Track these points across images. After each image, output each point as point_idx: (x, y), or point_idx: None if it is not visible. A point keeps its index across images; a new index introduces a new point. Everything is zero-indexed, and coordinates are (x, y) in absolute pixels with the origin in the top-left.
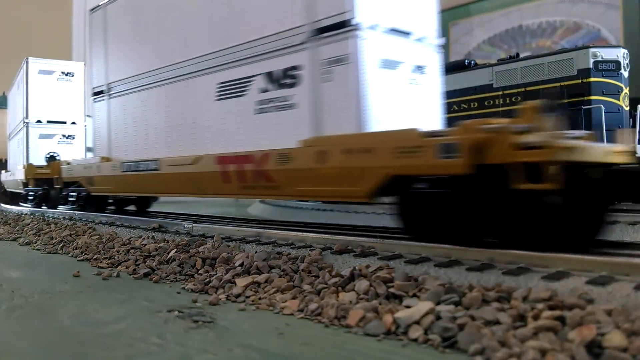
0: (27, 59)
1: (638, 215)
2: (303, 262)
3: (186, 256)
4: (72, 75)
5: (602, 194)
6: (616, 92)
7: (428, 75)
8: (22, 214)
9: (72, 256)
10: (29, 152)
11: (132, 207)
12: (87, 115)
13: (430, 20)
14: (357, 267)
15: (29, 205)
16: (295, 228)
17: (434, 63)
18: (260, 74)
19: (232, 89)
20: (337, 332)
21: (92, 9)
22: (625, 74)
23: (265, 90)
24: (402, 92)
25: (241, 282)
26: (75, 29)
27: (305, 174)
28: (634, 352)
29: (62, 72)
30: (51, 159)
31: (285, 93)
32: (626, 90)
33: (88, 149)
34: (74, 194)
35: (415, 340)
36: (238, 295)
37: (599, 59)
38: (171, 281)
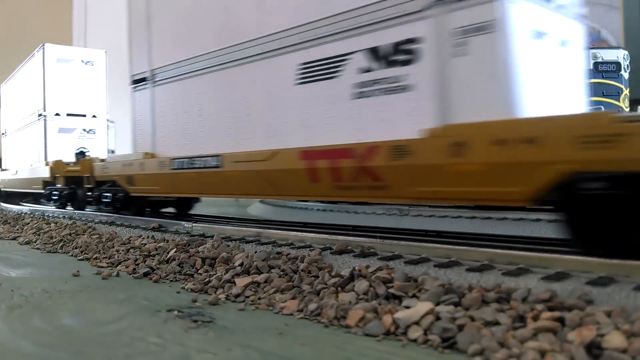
0: (43, 45)
1: None
2: (303, 262)
3: (186, 256)
4: (92, 64)
5: None
6: (616, 94)
7: (572, 50)
8: (21, 213)
9: (72, 255)
10: (47, 148)
11: (170, 210)
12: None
13: None
14: (356, 268)
15: (52, 206)
16: (295, 228)
17: (578, 36)
18: (360, 50)
19: (320, 70)
20: (336, 332)
21: None
22: (626, 75)
23: (367, 70)
24: (550, 68)
25: (241, 282)
26: (76, 18)
27: (431, 171)
28: (634, 354)
29: (82, 61)
30: (80, 154)
31: (396, 72)
32: (626, 92)
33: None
34: (108, 194)
35: (414, 340)
36: (237, 295)
37: (599, 60)
38: (171, 281)
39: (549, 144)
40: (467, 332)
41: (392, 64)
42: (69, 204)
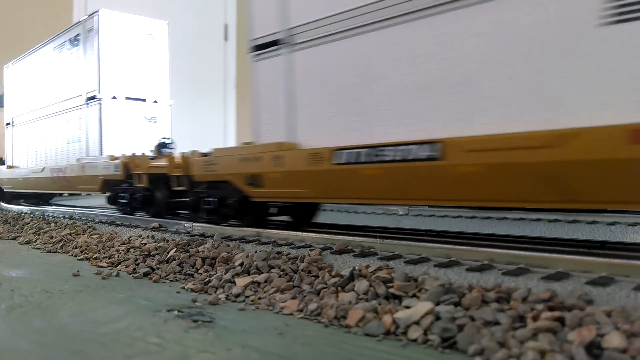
0: (97, 11)
1: (638, 216)
2: (303, 262)
3: (186, 256)
4: (153, 38)
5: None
6: None
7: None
8: (21, 212)
9: (72, 255)
10: (103, 139)
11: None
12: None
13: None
14: (356, 267)
15: (117, 210)
16: (295, 228)
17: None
18: None
19: None
20: (336, 332)
21: None
22: None
23: None
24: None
25: (241, 281)
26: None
27: None
28: (634, 353)
29: (142, 33)
30: (161, 146)
31: None
32: None
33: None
34: (211, 199)
35: (414, 340)
36: (238, 295)
37: None
38: (171, 281)
39: None
40: (467, 332)
41: None
42: (143, 209)
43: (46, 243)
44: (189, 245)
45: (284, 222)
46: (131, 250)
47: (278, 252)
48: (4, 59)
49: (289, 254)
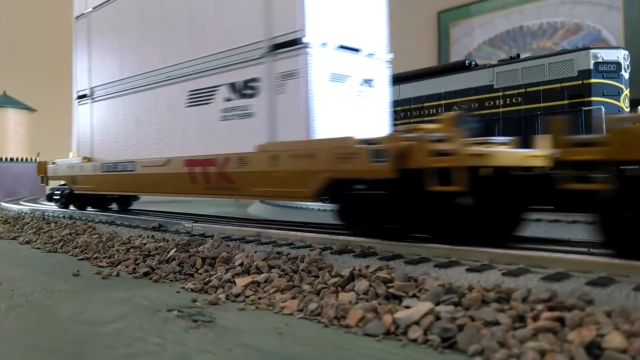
0: None
1: None
2: (303, 262)
3: (186, 256)
4: None
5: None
6: (617, 94)
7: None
8: (21, 212)
9: (72, 255)
10: (313, 109)
11: None
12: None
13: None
14: (356, 268)
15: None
16: (295, 228)
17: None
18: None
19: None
20: (336, 332)
21: None
22: (626, 75)
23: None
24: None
25: (241, 281)
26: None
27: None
28: (633, 354)
29: None
30: (466, 121)
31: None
32: (627, 92)
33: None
34: None
35: (414, 340)
36: (238, 295)
37: (600, 60)
38: (171, 280)
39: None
40: (467, 332)
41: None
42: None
43: (46, 243)
44: (189, 245)
45: None
46: (131, 250)
47: (278, 252)
48: (3, 60)
49: (289, 254)
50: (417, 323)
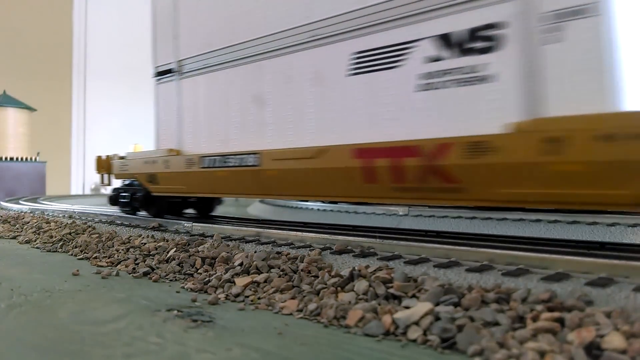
0: None
1: (637, 217)
2: (302, 262)
3: (185, 255)
4: None
5: None
6: None
7: None
8: (21, 212)
9: (72, 255)
10: (618, 66)
11: None
12: None
13: None
14: (356, 268)
15: None
16: (295, 228)
17: None
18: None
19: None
20: (336, 332)
21: None
22: None
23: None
24: None
25: (240, 281)
26: (76, 18)
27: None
28: (633, 354)
29: None
30: None
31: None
32: None
33: None
34: None
35: (414, 341)
36: (237, 295)
37: None
38: (170, 280)
39: None
40: (466, 332)
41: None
42: None
43: (46, 242)
44: (189, 245)
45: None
46: (131, 249)
47: (278, 252)
48: (3, 59)
49: (289, 254)
50: (416, 323)
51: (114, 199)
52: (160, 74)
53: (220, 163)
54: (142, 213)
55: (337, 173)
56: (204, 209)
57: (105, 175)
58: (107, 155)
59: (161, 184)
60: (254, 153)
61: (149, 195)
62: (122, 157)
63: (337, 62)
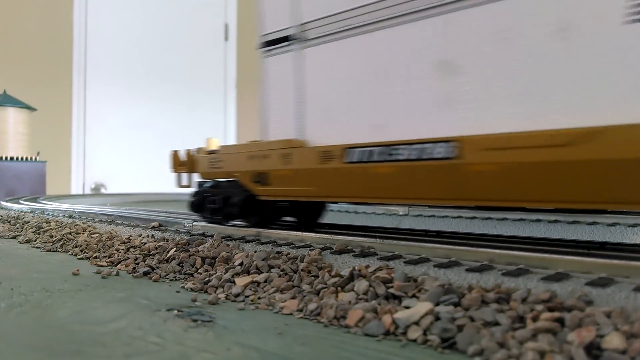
0: None
1: (637, 217)
2: (302, 262)
3: (186, 255)
4: None
5: None
6: None
7: None
8: (21, 211)
9: (72, 254)
10: None
11: None
12: None
13: None
14: (356, 267)
15: None
16: (295, 228)
17: None
18: None
19: None
20: (336, 332)
21: None
22: None
23: None
24: None
25: (240, 281)
26: (76, 18)
27: None
28: (633, 354)
29: None
30: None
31: None
32: None
33: None
34: None
35: (414, 340)
36: (237, 295)
37: None
38: (170, 280)
39: None
40: (466, 332)
41: None
42: None
43: (46, 242)
44: (189, 244)
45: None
46: (131, 249)
47: (278, 252)
48: (3, 59)
49: (289, 253)
50: (416, 323)
51: (197, 205)
52: (270, 43)
53: (380, 156)
54: (232, 221)
55: (623, 166)
56: (309, 216)
57: (184, 175)
58: (188, 150)
59: (275, 185)
60: (446, 141)
61: (252, 199)
62: (211, 152)
63: (607, 5)
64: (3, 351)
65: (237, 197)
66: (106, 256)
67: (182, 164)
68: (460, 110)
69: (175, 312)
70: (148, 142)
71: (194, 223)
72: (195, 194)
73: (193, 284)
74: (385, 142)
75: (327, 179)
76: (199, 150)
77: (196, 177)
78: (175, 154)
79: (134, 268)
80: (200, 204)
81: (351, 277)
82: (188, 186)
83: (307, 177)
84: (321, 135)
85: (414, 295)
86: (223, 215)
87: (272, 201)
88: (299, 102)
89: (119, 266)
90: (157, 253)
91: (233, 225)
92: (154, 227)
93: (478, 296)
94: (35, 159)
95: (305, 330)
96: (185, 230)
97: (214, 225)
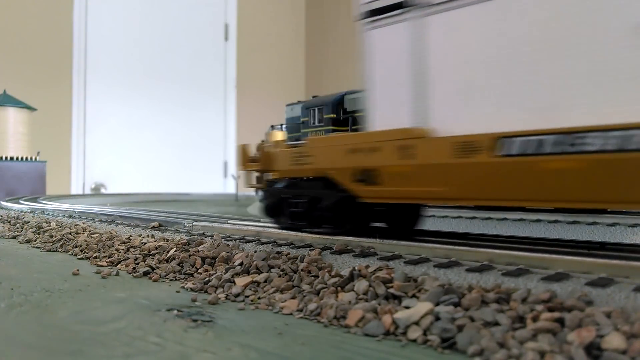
0: None
1: (637, 217)
2: (302, 262)
3: (186, 255)
4: None
5: None
6: None
7: None
8: (21, 211)
9: (72, 254)
10: None
11: None
12: None
13: None
14: (356, 268)
15: None
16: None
17: None
18: None
19: None
20: (336, 332)
21: None
22: None
23: None
24: None
25: (240, 281)
26: (76, 18)
27: None
28: (633, 354)
29: None
30: None
31: None
32: None
33: None
34: None
35: (414, 340)
36: (237, 295)
37: None
38: (170, 280)
39: None
40: (466, 332)
41: None
42: None
43: (46, 242)
44: (189, 244)
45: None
46: (131, 249)
47: (278, 252)
48: (3, 59)
49: (289, 253)
50: (416, 323)
51: (272, 209)
52: (377, 12)
53: (555, 147)
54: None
55: None
56: (403, 222)
57: (256, 174)
58: (261, 143)
59: (387, 184)
60: None
61: (348, 202)
62: (294, 146)
63: None
64: (3, 351)
65: (329, 199)
66: (106, 256)
67: (253, 160)
68: None
69: (175, 312)
70: (148, 142)
71: (193, 223)
72: (269, 195)
73: (193, 283)
74: (565, 129)
75: (468, 177)
76: (278, 143)
77: (266, 176)
78: (243, 149)
79: (134, 268)
80: (276, 207)
81: (351, 277)
82: (262, 187)
83: (437, 175)
84: (455, 122)
85: (414, 295)
86: (309, 220)
87: (371, 204)
88: (420, 83)
89: (119, 266)
90: (157, 253)
91: (314, 232)
92: (154, 227)
93: (478, 296)
94: (35, 159)
95: (305, 330)
96: (185, 230)
97: (213, 225)
